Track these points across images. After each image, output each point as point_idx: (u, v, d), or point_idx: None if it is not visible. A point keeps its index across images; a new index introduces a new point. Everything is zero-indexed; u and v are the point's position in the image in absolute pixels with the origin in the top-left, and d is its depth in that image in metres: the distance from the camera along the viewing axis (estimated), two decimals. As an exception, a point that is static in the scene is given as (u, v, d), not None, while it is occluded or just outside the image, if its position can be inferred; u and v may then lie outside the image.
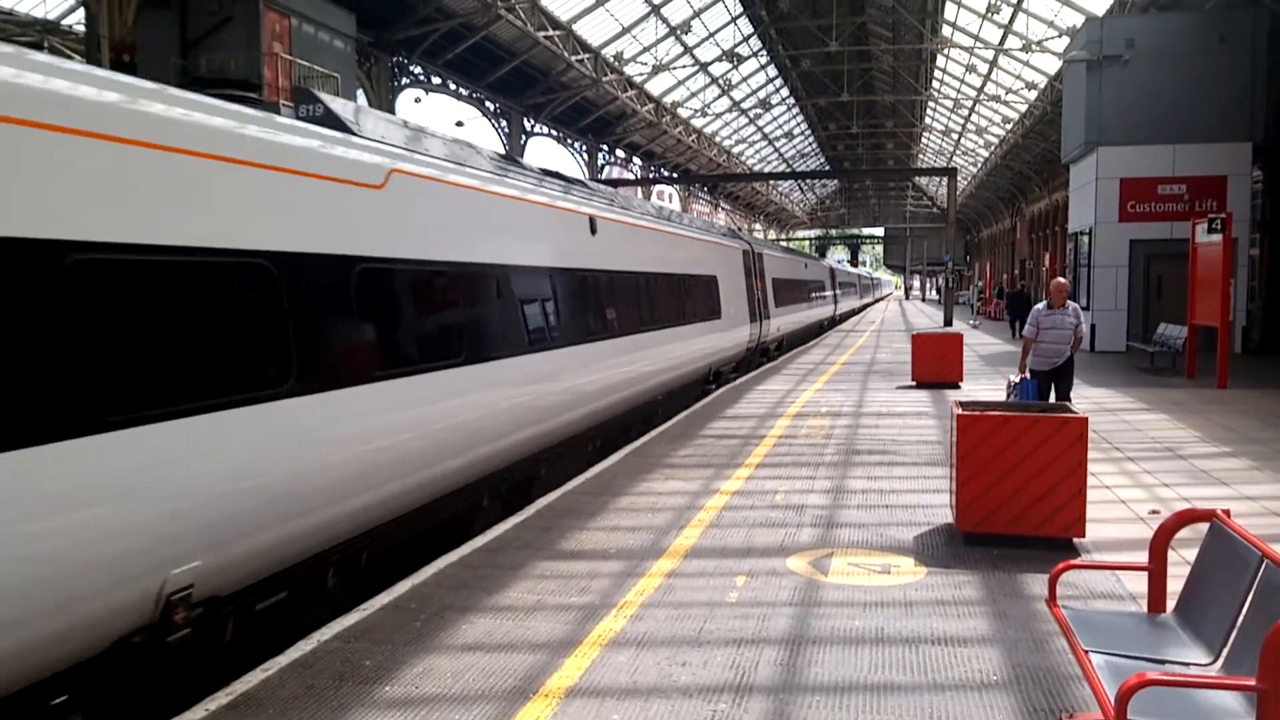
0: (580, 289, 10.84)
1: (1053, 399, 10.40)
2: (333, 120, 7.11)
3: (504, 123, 33.95)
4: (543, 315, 9.60)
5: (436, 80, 29.67)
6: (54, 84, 4.28)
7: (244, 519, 5.04)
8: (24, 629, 3.87)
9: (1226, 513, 3.81)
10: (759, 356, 23.16)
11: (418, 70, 28.41)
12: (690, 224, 19.62)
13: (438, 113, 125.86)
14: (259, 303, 5.34)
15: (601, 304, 11.55)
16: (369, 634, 5.07)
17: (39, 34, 24.75)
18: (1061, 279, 10.70)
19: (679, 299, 15.48)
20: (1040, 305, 10.59)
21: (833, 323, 41.66)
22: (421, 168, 7.58)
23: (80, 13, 23.54)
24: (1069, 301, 10.45)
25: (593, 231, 11.61)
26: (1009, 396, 10.08)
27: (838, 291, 44.92)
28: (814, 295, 35.30)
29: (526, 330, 9.06)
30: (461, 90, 31.27)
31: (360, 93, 24.91)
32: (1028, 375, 10.17)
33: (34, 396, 3.92)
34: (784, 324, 26.43)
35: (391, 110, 26.68)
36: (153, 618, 4.54)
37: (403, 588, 5.84)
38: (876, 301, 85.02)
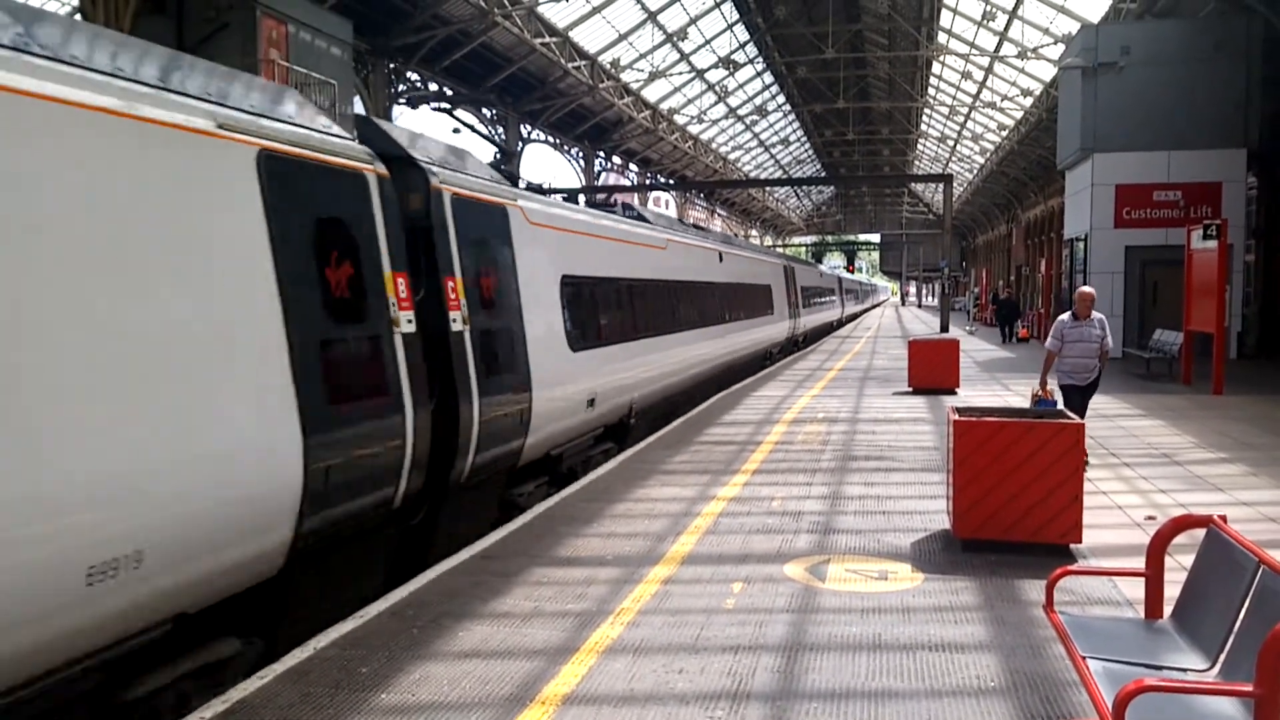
0: (721, 295, 19.13)
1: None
2: (640, 216, 15.41)
3: (500, 129, 33.95)
4: (710, 308, 17.98)
5: (433, 87, 29.67)
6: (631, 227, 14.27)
7: (645, 385, 12.82)
8: (613, 406, 11.32)
9: (1223, 518, 3.82)
10: (792, 345, 30.66)
11: (414, 77, 28.43)
12: (756, 249, 29.86)
13: (433, 120, 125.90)
14: (644, 299, 13.48)
15: (728, 303, 19.77)
16: (366, 641, 5.05)
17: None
18: (1087, 288, 9.97)
19: (756, 301, 23.57)
20: (1065, 316, 9.82)
21: (840, 323, 49.66)
22: (675, 236, 16.45)
23: (76, 19, 23.54)
24: (1094, 312, 9.71)
25: (720, 260, 19.84)
26: None
27: (845, 296, 54.49)
28: (828, 299, 44.50)
29: (709, 316, 17.71)
30: (459, 96, 31.28)
31: (357, 99, 24.92)
32: (1049, 394, 9.37)
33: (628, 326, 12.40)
34: (809, 321, 34.94)
35: (389, 117, 26.71)
36: (626, 414, 12.05)
37: (400, 594, 5.82)
38: (875, 306, 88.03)
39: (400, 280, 6.58)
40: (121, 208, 4.39)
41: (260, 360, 5.17)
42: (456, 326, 7.41)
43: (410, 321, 6.58)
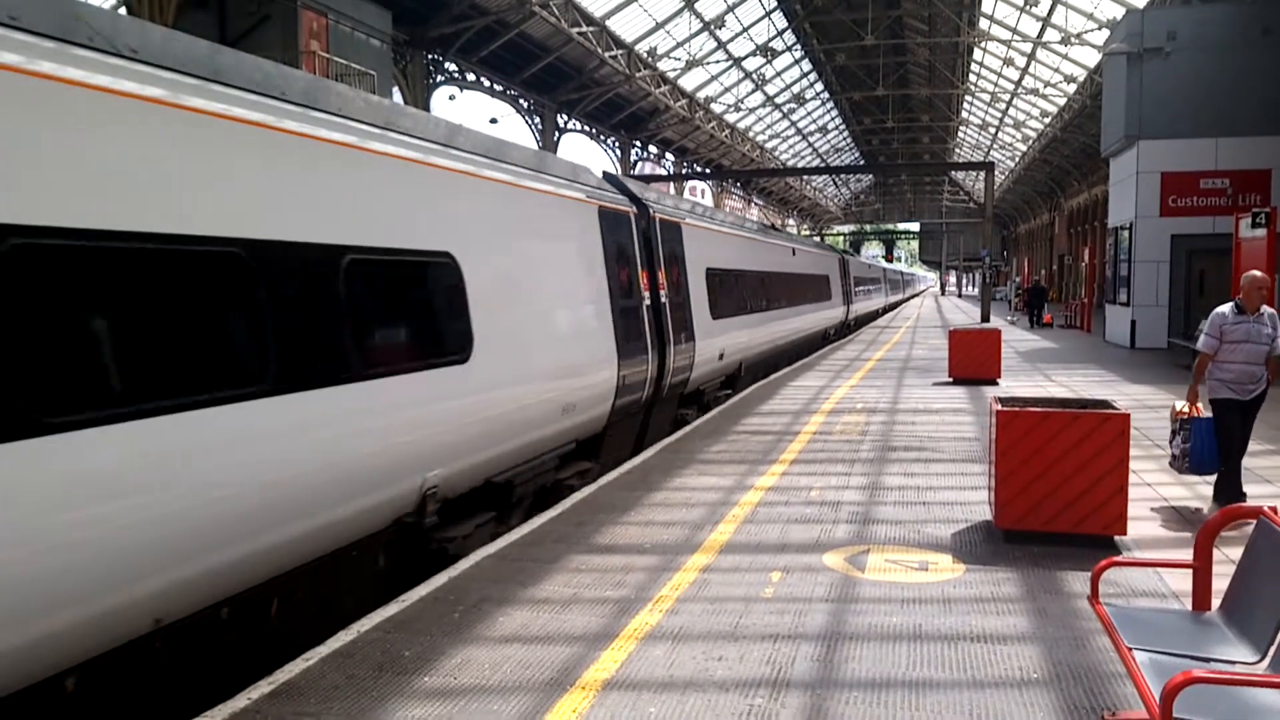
0: (882, 281, 49.17)
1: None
2: (825, 244, 42.66)
3: (537, 120, 34.04)
4: (845, 288, 34.66)
5: (471, 77, 29.79)
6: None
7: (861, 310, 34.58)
8: (860, 314, 35.14)
9: (1274, 509, 3.76)
10: (880, 314, 48.86)
11: (452, 67, 28.55)
12: (869, 258, 66.58)
13: (471, 109, 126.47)
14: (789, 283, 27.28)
15: (852, 286, 37.16)
16: (408, 625, 5.12)
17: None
18: (1258, 273, 7.41)
19: (886, 285, 54.25)
20: (1225, 308, 7.44)
21: (895, 305, 64.99)
22: (852, 258, 42.46)
23: (121, 12, 23.88)
24: (1265, 306, 7.39)
25: (884, 274, 51.92)
26: (1176, 443, 7.46)
27: (900, 283, 76.48)
28: (894, 287, 65.70)
29: (837, 292, 33.30)
30: (495, 87, 31.38)
31: (396, 90, 25.09)
32: (1199, 411, 7.40)
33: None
34: (887, 301, 55.24)
35: (427, 107, 26.91)
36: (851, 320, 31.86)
37: (441, 579, 5.89)
38: (916, 295, 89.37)
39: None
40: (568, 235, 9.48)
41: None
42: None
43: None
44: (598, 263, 9.93)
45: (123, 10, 22.46)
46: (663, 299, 11.96)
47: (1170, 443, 7.68)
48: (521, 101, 33.05)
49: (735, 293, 16.02)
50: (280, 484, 4.92)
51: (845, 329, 33.15)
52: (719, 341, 14.49)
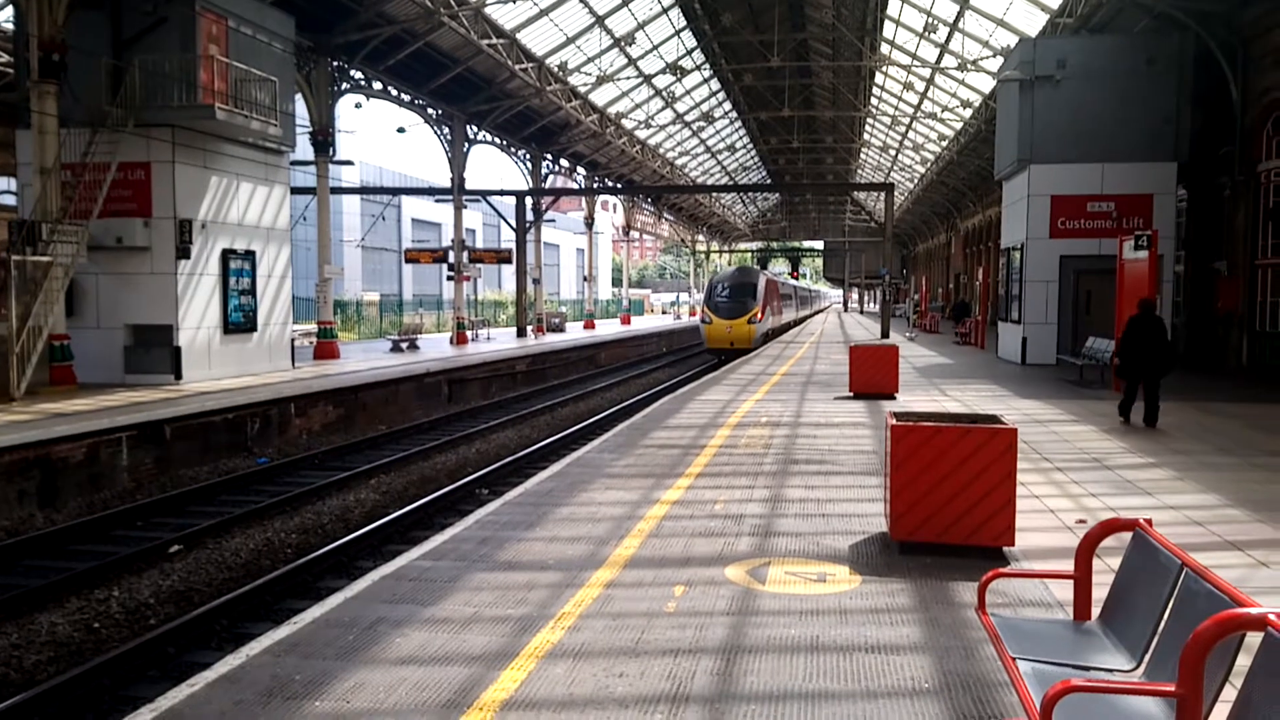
0: (798, 297, 64.94)
1: None
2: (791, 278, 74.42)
3: (446, 130, 33.70)
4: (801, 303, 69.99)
5: (377, 85, 29.35)
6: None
7: (777, 323, 44.39)
8: (782, 324, 47.25)
9: (1149, 522, 3.91)
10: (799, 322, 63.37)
11: (358, 75, 28.08)
12: (800, 279, 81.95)
13: (378, 118, 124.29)
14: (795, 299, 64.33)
15: (805, 301, 72.11)
16: (299, 648, 4.96)
17: (-37, 30, 23.96)
18: None
19: (803, 302, 68.13)
20: None
21: (809, 316, 76.16)
22: (802, 284, 76.97)
23: (8, 10, 22.87)
24: None
25: (795, 285, 67.96)
26: None
27: (813, 298, 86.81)
28: (809, 302, 79.74)
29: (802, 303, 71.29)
30: (403, 96, 30.97)
31: (299, 98, 24.54)
32: None
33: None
34: (801, 313, 65.41)
35: (331, 115, 26.40)
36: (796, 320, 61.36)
37: (335, 600, 5.74)
38: (821, 310, 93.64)
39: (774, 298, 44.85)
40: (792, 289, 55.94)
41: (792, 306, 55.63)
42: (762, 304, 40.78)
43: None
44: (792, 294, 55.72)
45: (10, 9, 21.53)
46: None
47: None
48: (430, 111, 32.68)
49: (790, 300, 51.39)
50: (791, 319, 53.16)
51: None
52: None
